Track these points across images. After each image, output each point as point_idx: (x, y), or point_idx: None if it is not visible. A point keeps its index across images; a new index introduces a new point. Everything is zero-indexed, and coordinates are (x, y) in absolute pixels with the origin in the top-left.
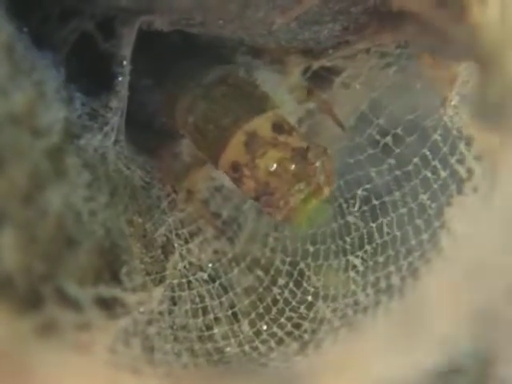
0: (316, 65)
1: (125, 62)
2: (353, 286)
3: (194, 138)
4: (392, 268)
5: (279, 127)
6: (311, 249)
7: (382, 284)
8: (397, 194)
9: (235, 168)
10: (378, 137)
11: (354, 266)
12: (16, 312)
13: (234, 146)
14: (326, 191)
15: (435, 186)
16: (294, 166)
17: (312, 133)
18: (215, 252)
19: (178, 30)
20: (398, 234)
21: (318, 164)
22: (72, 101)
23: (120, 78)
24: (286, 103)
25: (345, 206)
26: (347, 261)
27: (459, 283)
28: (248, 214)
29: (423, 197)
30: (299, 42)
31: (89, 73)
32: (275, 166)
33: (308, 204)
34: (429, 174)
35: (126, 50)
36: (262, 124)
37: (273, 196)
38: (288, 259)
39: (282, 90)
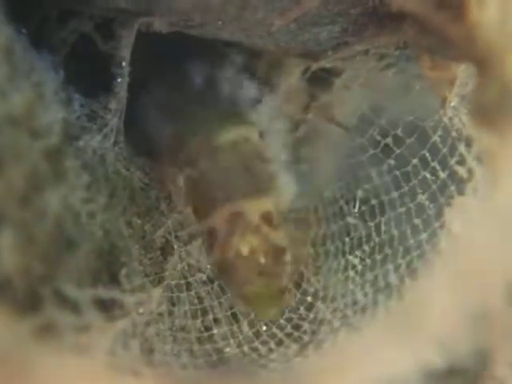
0: (315, 66)
1: (124, 64)
2: (351, 286)
3: (185, 187)
4: (390, 266)
5: (268, 219)
6: (310, 250)
7: (380, 282)
8: (395, 194)
9: (211, 233)
10: (378, 137)
11: (353, 266)
12: (15, 314)
13: (219, 213)
14: (289, 298)
15: (434, 186)
16: (263, 261)
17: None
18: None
19: (201, 70)
20: (396, 232)
21: (287, 269)
22: (71, 102)
23: (119, 80)
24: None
25: (345, 207)
26: (346, 261)
27: (458, 284)
28: None
29: (422, 197)
30: (298, 43)
31: (88, 74)
32: (247, 251)
33: (263, 301)
34: (428, 175)
35: (125, 52)
36: (252, 208)
37: (231, 276)
38: None
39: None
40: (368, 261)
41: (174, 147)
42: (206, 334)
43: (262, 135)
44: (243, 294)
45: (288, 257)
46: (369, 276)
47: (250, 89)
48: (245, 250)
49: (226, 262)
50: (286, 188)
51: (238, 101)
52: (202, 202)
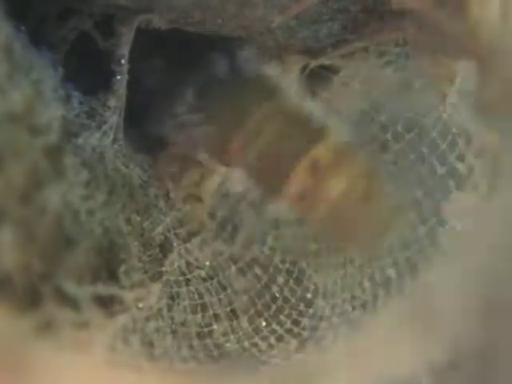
0: (314, 63)
1: (123, 61)
2: (350, 281)
3: (253, 171)
4: (387, 260)
5: (341, 154)
6: (312, 247)
7: (378, 277)
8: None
9: (302, 197)
10: (379, 133)
11: (352, 260)
12: (15, 311)
13: (297, 175)
14: None
15: (431, 182)
16: (362, 186)
17: None
18: (213, 252)
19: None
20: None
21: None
22: (70, 100)
23: (118, 77)
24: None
25: None
26: (345, 256)
27: (459, 281)
28: (244, 214)
29: (418, 192)
30: (298, 40)
31: (87, 72)
32: (345, 187)
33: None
34: (424, 171)
35: (125, 49)
36: (323, 152)
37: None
38: (288, 258)
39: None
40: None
41: (216, 143)
42: (206, 329)
43: (293, 100)
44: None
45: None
46: (367, 270)
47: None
48: (339, 190)
49: (328, 214)
50: (338, 128)
51: (264, 79)
52: (273, 175)
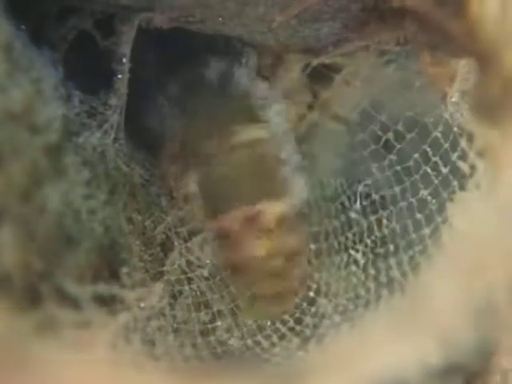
0: (315, 62)
1: (124, 60)
2: (354, 280)
3: (198, 185)
4: (392, 261)
5: (283, 221)
6: (313, 247)
7: (383, 277)
8: (396, 189)
9: (223, 233)
10: (380, 133)
11: (355, 261)
12: (15, 310)
13: (234, 214)
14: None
15: (436, 181)
16: (279, 263)
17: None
18: (214, 251)
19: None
20: (398, 227)
21: (300, 272)
22: (70, 98)
23: (119, 76)
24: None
25: (347, 202)
26: (349, 256)
27: (460, 279)
28: None
29: (424, 192)
30: (299, 39)
31: (88, 71)
32: (263, 254)
33: (266, 299)
34: (429, 170)
35: (126, 48)
36: (269, 211)
37: (241, 275)
38: None
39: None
40: (370, 256)
41: (186, 144)
42: (209, 326)
43: (275, 136)
44: (251, 293)
45: (302, 260)
46: (371, 271)
47: (262, 89)
48: (261, 252)
49: (238, 262)
50: (300, 191)
51: (252, 100)
52: (214, 200)
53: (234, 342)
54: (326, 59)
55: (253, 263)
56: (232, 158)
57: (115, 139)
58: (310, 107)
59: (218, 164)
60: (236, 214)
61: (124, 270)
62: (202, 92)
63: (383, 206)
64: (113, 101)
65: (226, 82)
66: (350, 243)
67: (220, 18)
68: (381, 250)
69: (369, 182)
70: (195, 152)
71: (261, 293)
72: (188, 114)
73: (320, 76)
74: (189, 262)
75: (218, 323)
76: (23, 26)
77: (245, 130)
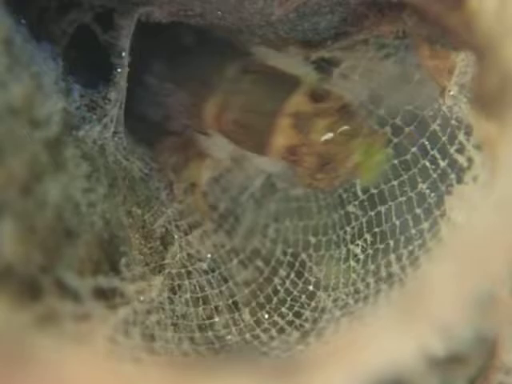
0: (314, 56)
1: (124, 54)
2: (353, 275)
3: (234, 133)
4: (392, 256)
5: (315, 96)
6: (313, 240)
7: (383, 272)
8: (395, 183)
9: (292, 152)
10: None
11: (355, 255)
12: (15, 303)
13: (283, 130)
14: (378, 131)
15: (434, 175)
16: (345, 126)
17: None
18: (214, 244)
19: (190, 28)
20: (397, 222)
21: (361, 114)
22: (70, 92)
23: (119, 70)
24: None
25: (344, 196)
26: (348, 250)
27: (459, 272)
28: (246, 205)
29: (422, 186)
30: (298, 32)
31: (87, 64)
32: (330, 133)
33: (371, 153)
34: (427, 164)
35: (125, 42)
36: (300, 100)
37: (335, 162)
38: (289, 250)
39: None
40: (370, 250)
41: (196, 105)
42: (207, 322)
43: (264, 59)
44: (354, 164)
45: (353, 106)
46: (371, 266)
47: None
48: (327, 133)
49: (324, 157)
50: (309, 73)
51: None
52: (257, 132)
53: (232, 337)
54: (324, 53)
55: (330, 148)
56: (240, 89)
57: (115, 133)
58: None
59: (235, 101)
60: (281, 127)
61: (124, 263)
62: (186, 59)
63: (382, 201)
64: (112, 94)
65: (204, 40)
66: (349, 237)
67: (219, 12)
68: (381, 246)
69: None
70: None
71: (360, 157)
72: (182, 79)
73: (318, 70)
74: (189, 256)
75: (216, 319)
76: (23, 20)
77: (235, 61)
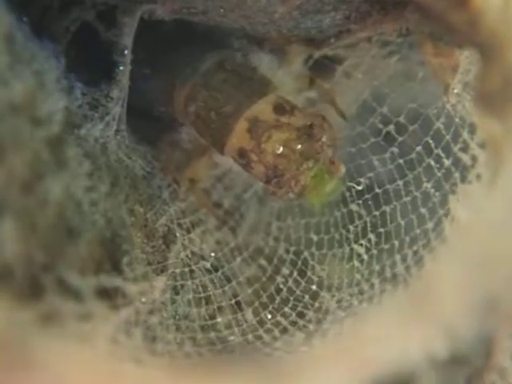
0: (318, 54)
1: (126, 52)
2: (357, 276)
3: (196, 126)
4: (397, 257)
5: (280, 108)
6: (315, 238)
7: (387, 273)
8: (400, 183)
9: (242, 155)
10: (380, 125)
11: (359, 255)
12: (17, 302)
13: (238, 132)
14: (339, 164)
15: (439, 174)
16: (300, 146)
17: None
18: (217, 242)
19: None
20: (402, 222)
21: (323, 139)
22: (72, 90)
23: (121, 68)
24: (285, 85)
25: (347, 194)
26: (351, 250)
27: (463, 271)
28: (250, 203)
29: (427, 185)
30: (301, 30)
31: (89, 62)
32: (281, 148)
33: (320, 179)
34: (432, 163)
35: (127, 40)
36: (263, 108)
37: (283, 177)
38: (292, 248)
39: (281, 72)
40: (374, 251)
41: (168, 92)
42: (209, 323)
43: (245, 54)
44: (301, 186)
45: (317, 129)
46: (375, 267)
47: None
48: (279, 148)
49: (271, 170)
50: (283, 80)
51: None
52: (216, 130)
53: (234, 338)
54: (328, 51)
55: (281, 162)
56: (210, 83)
57: (117, 131)
58: (311, 99)
59: (202, 95)
60: (238, 127)
61: (126, 262)
62: (163, 45)
63: (386, 201)
64: (114, 93)
65: (184, 30)
66: (352, 237)
67: (222, 10)
68: (385, 246)
69: (370, 174)
70: (180, 95)
71: (309, 178)
72: (159, 68)
73: (322, 67)
74: (192, 254)
75: (219, 319)
76: (25, 18)
77: (213, 55)
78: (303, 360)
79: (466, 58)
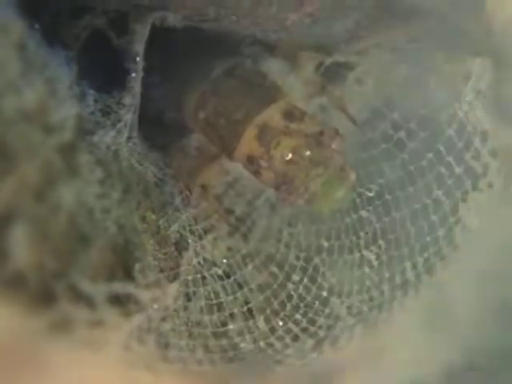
0: (329, 60)
1: (138, 59)
2: (367, 282)
3: (205, 132)
4: (407, 264)
5: (290, 115)
6: (325, 244)
7: (398, 280)
8: (410, 189)
9: (251, 161)
10: (391, 131)
11: (369, 262)
12: (28, 309)
13: (247, 139)
14: (349, 171)
15: (449, 182)
16: (309, 152)
17: None
18: (229, 249)
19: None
20: (412, 229)
21: (333, 146)
22: (84, 97)
23: (133, 75)
24: (296, 91)
25: (358, 200)
26: (361, 256)
27: (475, 280)
28: (261, 209)
29: (438, 192)
30: (312, 37)
31: (102, 69)
32: (290, 154)
33: (330, 186)
34: (443, 170)
35: (139, 46)
36: (272, 115)
37: (292, 184)
38: (302, 255)
39: (291, 78)
40: (384, 257)
41: (178, 99)
42: (221, 330)
43: (255, 61)
44: (311, 193)
45: (326, 136)
46: (385, 273)
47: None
48: (288, 154)
49: (280, 177)
50: (294, 87)
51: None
52: (225, 136)
53: (246, 345)
54: (339, 57)
55: (291, 169)
56: (219, 91)
57: (129, 138)
58: (323, 105)
59: (212, 102)
60: (247, 134)
61: (138, 269)
62: (173, 51)
63: (397, 207)
64: (127, 99)
65: (194, 37)
66: (362, 243)
67: (233, 17)
68: (395, 253)
69: (380, 181)
70: (189, 104)
71: (318, 186)
72: (169, 76)
73: (333, 74)
74: (204, 261)
75: (231, 326)
76: (37, 25)
77: (221, 63)
78: (314, 369)
79: (479, 65)
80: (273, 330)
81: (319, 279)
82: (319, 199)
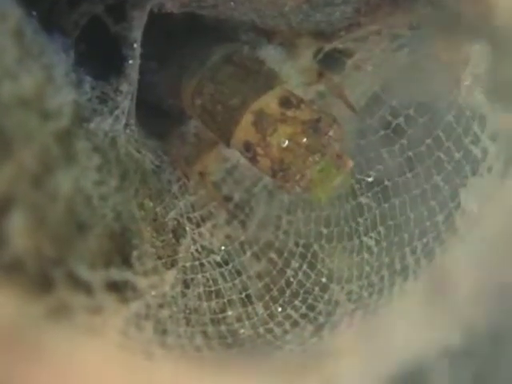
0: (328, 47)
1: (135, 45)
2: (367, 268)
3: (203, 119)
4: (407, 249)
5: (287, 102)
6: (325, 231)
7: (397, 265)
8: (409, 176)
9: (248, 148)
10: (389, 118)
11: (368, 248)
12: (27, 296)
13: (243, 126)
14: (346, 159)
15: (449, 167)
16: (305, 140)
17: None
18: (227, 236)
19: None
20: (412, 215)
21: (330, 133)
22: (82, 84)
23: (130, 61)
24: (294, 78)
25: (357, 186)
26: (361, 242)
27: (474, 263)
28: (260, 196)
29: (437, 178)
30: (311, 23)
31: (99, 56)
32: (287, 142)
33: (327, 174)
34: (442, 155)
35: (137, 33)
36: (269, 101)
37: (289, 171)
38: (301, 241)
39: (289, 65)
40: (384, 243)
41: (175, 86)
42: (220, 316)
43: (253, 47)
44: (307, 180)
45: (323, 123)
46: (385, 259)
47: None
48: (284, 141)
49: (277, 164)
50: (292, 74)
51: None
52: (222, 123)
53: (245, 331)
54: (338, 44)
55: (287, 156)
56: (217, 77)
57: (126, 125)
58: (321, 92)
59: (209, 88)
60: (244, 120)
61: (135, 256)
62: (171, 38)
63: (396, 193)
64: (124, 86)
65: (192, 23)
66: (362, 229)
67: (232, 3)
68: (395, 238)
69: (379, 167)
70: (186, 90)
71: (315, 173)
72: (166, 61)
73: (332, 61)
74: (202, 248)
75: (229, 312)
76: (34, 12)
77: (219, 49)
78: (314, 353)
79: (477, 51)
80: (272, 316)
81: (318, 266)
82: (316, 186)
